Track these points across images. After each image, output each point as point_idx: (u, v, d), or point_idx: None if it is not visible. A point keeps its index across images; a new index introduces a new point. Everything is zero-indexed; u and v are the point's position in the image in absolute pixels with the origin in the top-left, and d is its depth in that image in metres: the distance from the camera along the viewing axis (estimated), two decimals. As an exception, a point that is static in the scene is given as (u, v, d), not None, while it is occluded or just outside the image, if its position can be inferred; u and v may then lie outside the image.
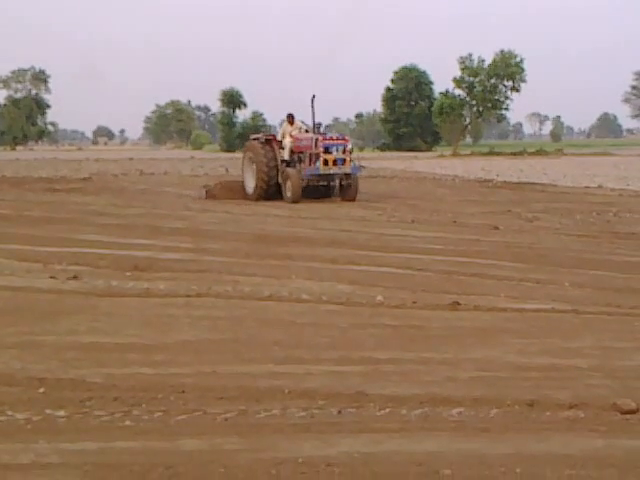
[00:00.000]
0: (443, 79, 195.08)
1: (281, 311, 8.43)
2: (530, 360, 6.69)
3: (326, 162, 23.11)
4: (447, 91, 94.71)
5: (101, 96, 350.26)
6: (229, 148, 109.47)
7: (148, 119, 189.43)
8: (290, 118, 24.94)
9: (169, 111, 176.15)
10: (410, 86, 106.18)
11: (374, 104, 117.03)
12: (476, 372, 6.31)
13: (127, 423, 5.15)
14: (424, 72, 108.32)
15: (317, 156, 23.17)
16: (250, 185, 24.73)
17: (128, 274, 10.43)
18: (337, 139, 24.04)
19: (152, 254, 12.28)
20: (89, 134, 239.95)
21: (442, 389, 5.82)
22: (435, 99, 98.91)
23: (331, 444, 4.81)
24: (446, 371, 6.32)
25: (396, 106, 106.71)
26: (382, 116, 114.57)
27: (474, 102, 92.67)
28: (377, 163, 51.55)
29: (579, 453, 4.74)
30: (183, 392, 5.68)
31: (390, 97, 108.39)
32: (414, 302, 8.88)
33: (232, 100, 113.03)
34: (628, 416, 5.33)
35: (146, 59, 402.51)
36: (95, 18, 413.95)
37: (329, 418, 5.25)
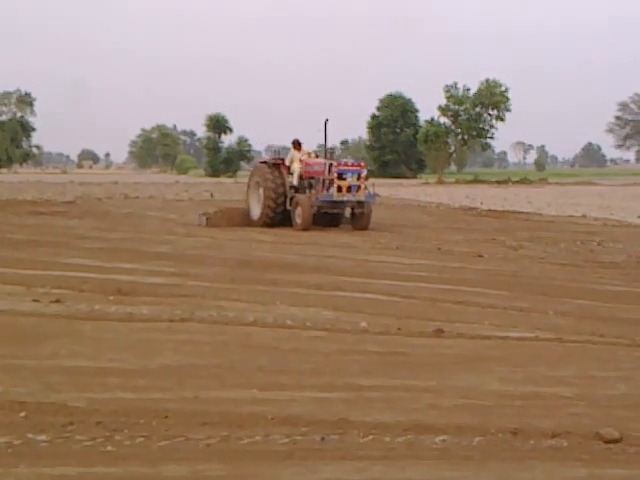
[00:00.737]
0: (428, 107, 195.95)
1: (265, 337, 8.40)
2: (514, 388, 6.68)
3: (340, 189, 22.38)
4: (432, 119, 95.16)
5: (86, 119, 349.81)
6: (214, 173, 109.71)
7: (133, 143, 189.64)
8: (296, 144, 24.17)
9: (154, 135, 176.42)
10: (396, 114, 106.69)
11: (359, 131, 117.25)
12: (460, 400, 6.29)
13: (109, 448, 5.10)
14: (410, 100, 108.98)
15: (331, 182, 22.46)
16: (256, 211, 24.02)
17: (111, 298, 10.37)
18: (352, 165, 23.31)
19: (135, 278, 12.23)
20: (74, 157, 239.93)
21: (426, 416, 5.80)
22: (420, 127, 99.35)
23: (314, 471, 4.78)
24: (430, 398, 6.30)
25: (382, 133, 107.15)
26: (367, 143, 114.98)
27: (459, 130, 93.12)
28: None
29: (562, 482, 4.73)
30: (166, 417, 5.63)
31: (376, 124, 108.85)
32: (398, 329, 8.87)
33: (218, 125, 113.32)
34: (611, 445, 5.31)
35: (132, 83, 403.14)
36: (82, 41, 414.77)
37: (312, 445, 5.22)
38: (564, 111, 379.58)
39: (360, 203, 22.79)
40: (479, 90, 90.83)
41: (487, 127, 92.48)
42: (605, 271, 14.53)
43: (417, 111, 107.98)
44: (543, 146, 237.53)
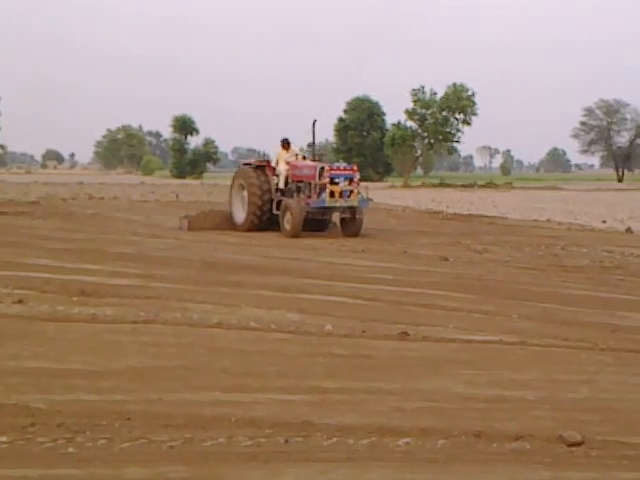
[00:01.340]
0: (395, 111, 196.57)
1: (230, 339, 8.37)
2: (478, 391, 6.71)
3: (332, 194, 21.27)
4: (399, 122, 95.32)
5: (51, 119, 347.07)
6: (180, 174, 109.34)
7: (99, 143, 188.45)
8: (285, 143, 23.30)
9: (120, 136, 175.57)
10: (362, 117, 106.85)
11: (326, 134, 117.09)
12: (424, 402, 6.30)
13: (70, 450, 5.06)
14: (376, 103, 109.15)
15: (322, 187, 21.36)
16: (240, 215, 23.10)
17: (74, 299, 10.30)
18: (345, 169, 22.11)
19: (99, 279, 12.14)
20: (38, 157, 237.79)
21: (390, 419, 5.81)
22: (387, 130, 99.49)
23: (277, 473, 4.77)
24: (394, 401, 6.31)
25: (348, 136, 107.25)
26: (334, 146, 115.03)
27: (425, 134, 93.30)
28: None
29: (525, 485, 4.75)
30: (128, 419, 5.59)
31: (342, 127, 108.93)
32: (363, 331, 8.87)
33: (184, 126, 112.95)
34: (573, 448, 5.34)
35: (98, 83, 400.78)
36: (47, 41, 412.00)
37: (276, 447, 5.20)
38: (530, 116, 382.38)
39: (352, 208, 21.81)
40: (446, 94, 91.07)
41: (453, 131, 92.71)
42: (569, 275, 14.62)
43: (384, 114, 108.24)
44: (509, 150, 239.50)
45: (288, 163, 22.81)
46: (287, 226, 21.46)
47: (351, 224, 22.07)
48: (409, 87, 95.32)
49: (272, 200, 22.57)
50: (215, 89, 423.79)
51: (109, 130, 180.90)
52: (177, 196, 42.42)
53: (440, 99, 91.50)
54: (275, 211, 22.38)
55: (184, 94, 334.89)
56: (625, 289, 13.05)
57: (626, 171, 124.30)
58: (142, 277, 12.57)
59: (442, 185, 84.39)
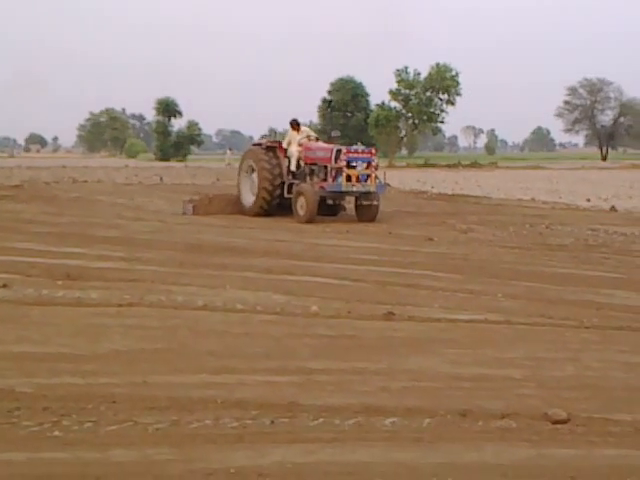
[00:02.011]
0: (380, 91, 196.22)
1: (215, 321, 8.37)
2: (463, 370, 6.73)
3: (349, 178, 20.12)
4: (383, 103, 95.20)
5: (34, 103, 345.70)
6: (164, 157, 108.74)
7: (82, 127, 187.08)
8: (295, 124, 22.05)
9: (103, 119, 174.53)
10: (347, 98, 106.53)
11: (310, 115, 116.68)
12: (410, 382, 6.32)
13: (56, 433, 5.05)
14: (360, 84, 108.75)
15: (338, 171, 20.21)
16: (248, 198, 21.85)
17: (59, 283, 10.26)
18: (363, 152, 20.85)
19: (84, 263, 12.10)
20: (21, 141, 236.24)
21: (376, 399, 5.82)
22: (371, 111, 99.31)
23: (263, 454, 4.77)
24: (380, 381, 6.32)
25: (333, 117, 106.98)
26: (319, 127, 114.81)
27: (410, 114, 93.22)
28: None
29: (511, 463, 4.77)
30: (114, 402, 5.59)
31: (327, 108, 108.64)
32: (349, 312, 8.88)
33: (167, 109, 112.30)
34: (559, 426, 5.37)
35: (81, 66, 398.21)
36: (29, 25, 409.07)
37: (262, 428, 5.21)
38: (514, 95, 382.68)
39: (368, 194, 20.60)
40: (430, 74, 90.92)
41: (438, 111, 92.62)
42: (553, 254, 14.67)
43: (368, 95, 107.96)
44: (493, 130, 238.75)
45: (300, 145, 21.55)
46: (300, 211, 20.24)
47: (367, 210, 20.84)
48: (393, 67, 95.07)
49: (283, 184, 21.34)
50: (200, 70, 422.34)
51: (92, 113, 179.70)
52: (161, 179, 42.19)
53: (424, 79, 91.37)
54: (286, 195, 21.18)
55: (168, 76, 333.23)
56: (609, 267, 13.12)
57: (610, 149, 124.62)
58: (127, 260, 12.54)
59: (427, 165, 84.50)
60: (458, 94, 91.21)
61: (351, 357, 7.07)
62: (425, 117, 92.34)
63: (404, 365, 6.85)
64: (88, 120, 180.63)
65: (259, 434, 5.10)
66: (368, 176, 20.46)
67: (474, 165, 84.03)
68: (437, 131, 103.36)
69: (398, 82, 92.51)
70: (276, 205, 21.41)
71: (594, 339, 8.01)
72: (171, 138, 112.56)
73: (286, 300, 9.52)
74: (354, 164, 20.36)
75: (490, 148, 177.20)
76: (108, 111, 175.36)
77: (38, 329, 7.80)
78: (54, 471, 4.51)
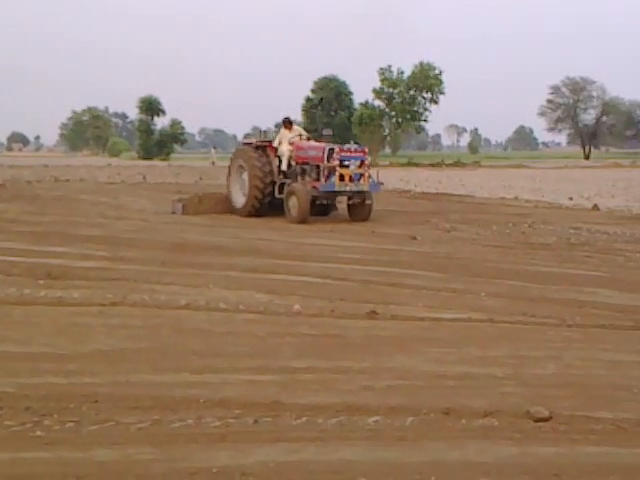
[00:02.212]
0: (363, 90, 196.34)
1: (198, 320, 8.35)
2: (446, 369, 6.74)
3: (342, 177, 19.83)
4: (367, 102, 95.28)
5: (16, 101, 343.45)
6: (147, 156, 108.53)
7: (64, 125, 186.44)
8: (287, 123, 21.87)
9: (86, 118, 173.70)
10: (330, 96, 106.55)
11: (294, 113, 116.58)
12: (393, 381, 6.32)
13: (38, 433, 5.03)
14: (344, 82, 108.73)
15: (331, 170, 19.91)
16: (239, 199, 21.56)
17: (41, 282, 10.22)
18: (355, 151, 20.56)
19: (66, 262, 12.05)
20: (3, 140, 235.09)
21: (359, 398, 5.82)
22: (355, 109, 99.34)
23: (246, 454, 4.76)
24: (363, 380, 6.32)
25: (316, 116, 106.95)
26: (302, 126, 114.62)
27: (393, 113, 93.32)
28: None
29: (493, 461, 4.78)
30: (96, 402, 5.57)
31: (310, 107, 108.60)
32: (332, 311, 8.88)
33: (150, 107, 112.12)
34: (541, 424, 5.39)
35: (63, 65, 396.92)
36: (11, 24, 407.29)
37: (245, 427, 5.20)
38: (497, 94, 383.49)
39: (361, 193, 20.43)
40: (413, 73, 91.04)
41: (421, 110, 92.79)
42: (536, 252, 14.71)
43: (351, 94, 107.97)
44: (476, 129, 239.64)
45: (291, 143, 21.30)
46: (293, 211, 19.91)
47: (360, 209, 20.74)
48: (377, 66, 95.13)
49: (274, 183, 21.03)
50: (181, 69, 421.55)
51: (74, 112, 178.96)
52: (144, 178, 42.12)
53: (407, 78, 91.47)
54: (278, 195, 20.89)
55: (150, 76, 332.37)
56: (592, 265, 13.16)
57: (593, 148, 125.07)
58: (109, 259, 12.49)
59: (410, 164, 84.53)
60: (441, 93, 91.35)
61: (334, 356, 7.06)
62: (408, 116, 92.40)
63: (387, 364, 6.84)
64: (70, 119, 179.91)
65: (242, 433, 5.09)
66: (361, 175, 20.23)
67: (457, 164, 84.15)
68: (420, 130, 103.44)
69: (382, 81, 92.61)
70: (267, 205, 21.10)
71: (576, 337, 8.03)
72: (154, 137, 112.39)
73: (269, 299, 9.51)
74: (347, 163, 20.04)
75: (473, 147, 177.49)
76: (91, 110, 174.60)
77: (20, 329, 7.76)
78: (36, 471, 4.49)
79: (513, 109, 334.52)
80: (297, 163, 20.99)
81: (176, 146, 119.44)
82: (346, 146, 20.82)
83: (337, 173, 19.80)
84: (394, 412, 5.52)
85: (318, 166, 20.26)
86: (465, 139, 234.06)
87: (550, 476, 4.59)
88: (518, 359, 7.11)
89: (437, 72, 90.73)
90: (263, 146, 21.57)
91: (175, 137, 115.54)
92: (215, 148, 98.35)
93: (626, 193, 33.80)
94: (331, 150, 20.08)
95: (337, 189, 20.05)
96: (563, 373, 6.73)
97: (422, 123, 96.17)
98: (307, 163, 20.72)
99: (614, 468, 4.76)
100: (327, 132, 22.27)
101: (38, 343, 7.25)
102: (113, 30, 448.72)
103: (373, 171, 20.99)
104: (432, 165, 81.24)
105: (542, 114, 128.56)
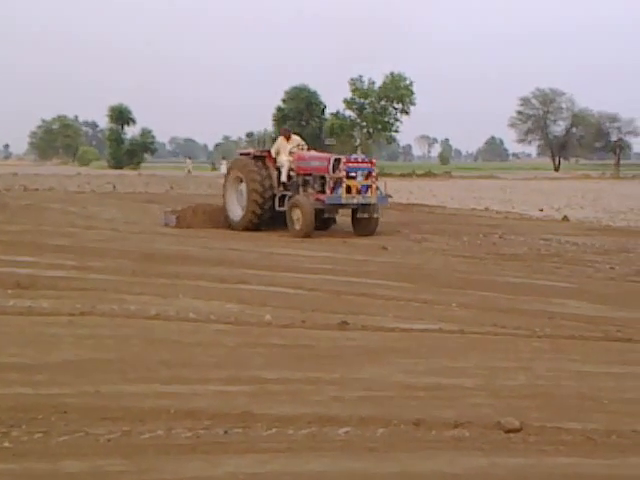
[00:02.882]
0: (334, 100, 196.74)
1: (168, 330, 8.31)
2: (417, 380, 6.74)
3: (349, 189, 19.03)
4: (338, 112, 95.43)
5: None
6: (117, 165, 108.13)
7: (33, 134, 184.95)
8: (286, 133, 21.28)
9: (55, 126, 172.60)
10: (301, 106, 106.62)
11: (265, 123, 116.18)
12: (363, 392, 6.31)
13: (6, 445, 4.98)
14: (315, 92, 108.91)
15: (337, 181, 19.16)
16: (236, 212, 20.60)
17: (10, 292, 10.13)
18: (362, 161, 19.74)
19: (35, 271, 11.96)
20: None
21: (329, 409, 5.81)
22: (326, 119, 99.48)
23: (216, 465, 4.74)
24: (334, 391, 6.31)
25: (287, 126, 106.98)
26: (273, 135, 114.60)
27: (364, 123, 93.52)
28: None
29: (464, 471, 4.79)
30: (65, 413, 5.52)
31: (281, 117, 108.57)
32: (303, 322, 8.87)
33: (121, 116, 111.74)
34: (511, 435, 5.40)
35: (31, 73, 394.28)
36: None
37: (215, 438, 5.18)
38: (468, 105, 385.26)
39: (366, 206, 19.57)
40: (384, 84, 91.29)
41: (392, 120, 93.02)
42: (506, 263, 14.78)
43: (322, 104, 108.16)
44: (447, 140, 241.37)
45: (291, 154, 20.45)
46: (296, 225, 18.99)
47: (366, 223, 19.89)
48: (347, 76, 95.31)
49: (274, 196, 20.13)
50: (153, 77, 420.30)
51: (44, 120, 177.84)
52: (114, 187, 41.95)
53: (378, 88, 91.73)
54: (277, 208, 20.00)
55: (120, 84, 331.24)
56: (561, 276, 13.24)
57: (562, 160, 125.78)
58: (79, 269, 12.42)
59: (381, 174, 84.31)
60: (412, 103, 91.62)
61: (305, 367, 7.05)
62: (379, 126, 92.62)
63: (358, 375, 6.84)
64: (40, 127, 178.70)
65: (212, 444, 5.07)
66: (369, 187, 19.49)
67: (428, 174, 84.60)
68: (391, 140, 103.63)
69: (353, 91, 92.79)
70: (267, 219, 20.28)
71: (546, 348, 8.06)
72: (124, 146, 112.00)
73: (240, 309, 9.49)
74: (353, 174, 19.28)
75: (444, 158, 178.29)
76: (60, 118, 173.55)
77: (-12, 339, 7.69)
78: (3, 483, 4.45)
79: (484, 120, 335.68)
80: (298, 174, 20.20)
81: (146, 155, 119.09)
82: (353, 156, 20.25)
83: (344, 185, 19.08)
84: (364, 423, 5.51)
85: (322, 177, 19.58)
86: (436, 150, 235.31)
87: (520, 487, 4.61)
88: (488, 370, 7.13)
89: (408, 83, 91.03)
90: (262, 157, 20.77)
91: (145, 146, 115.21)
92: (190, 158, 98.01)
93: (595, 204, 34.08)
94: (337, 160, 19.43)
95: (344, 202, 19.30)
96: (533, 384, 6.75)
97: (393, 134, 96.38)
98: (310, 174, 19.99)
99: (583, 479, 4.78)
100: (330, 141, 22.16)
101: (6, 353, 7.18)
102: (83, 40, 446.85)
103: (381, 183, 20.39)
104: (403, 175, 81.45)
105: (512, 125, 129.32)
